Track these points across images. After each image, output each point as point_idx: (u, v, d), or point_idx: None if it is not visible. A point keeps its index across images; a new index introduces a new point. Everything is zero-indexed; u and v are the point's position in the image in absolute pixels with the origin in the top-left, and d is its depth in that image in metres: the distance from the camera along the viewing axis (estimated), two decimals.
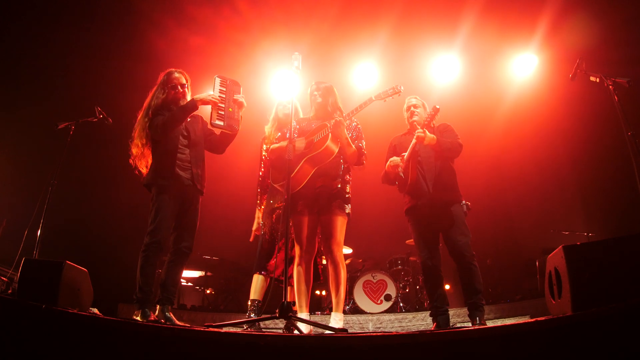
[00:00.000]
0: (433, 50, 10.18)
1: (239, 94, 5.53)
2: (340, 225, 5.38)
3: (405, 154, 5.72)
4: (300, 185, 5.34)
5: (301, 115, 6.23)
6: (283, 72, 10.19)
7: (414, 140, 5.55)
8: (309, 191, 5.38)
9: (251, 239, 6.67)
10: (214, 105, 5.31)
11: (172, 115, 5.29)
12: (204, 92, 5.44)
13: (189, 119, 5.47)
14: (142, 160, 5.42)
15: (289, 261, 5.48)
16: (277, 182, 5.81)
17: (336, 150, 5.32)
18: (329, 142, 5.24)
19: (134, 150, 5.43)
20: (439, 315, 5.51)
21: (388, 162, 5.84)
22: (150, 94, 5.55)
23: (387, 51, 10.12)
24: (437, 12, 9.42)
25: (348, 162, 5.62)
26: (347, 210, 5.46)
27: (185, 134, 5.42)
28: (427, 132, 5.50)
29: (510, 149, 10.90)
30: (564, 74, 6.84)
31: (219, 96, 5.37)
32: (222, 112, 5.33)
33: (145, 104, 5.52)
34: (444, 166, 5.77)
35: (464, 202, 5.72)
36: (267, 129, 6.68)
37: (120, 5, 9.34)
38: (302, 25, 9.55)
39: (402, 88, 5.31)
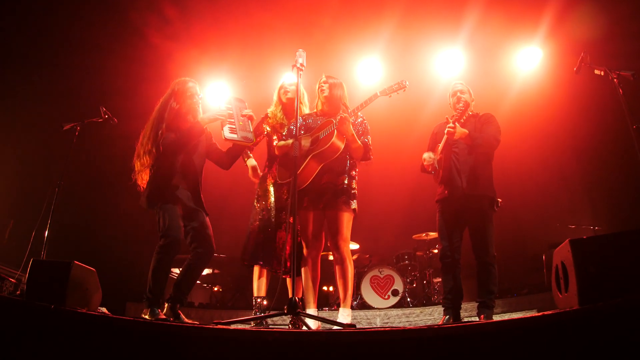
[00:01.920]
0: (437, 45, 10.13)
1: (246, 109, 5.54)
2: (347, 221, 5.40)
3: (440, 145, 5.77)
4: (307, 182, 5.34)
5: (306, 110, 6.20)
6: (287, 68, 10.14)
7: (445, 135, 5.61)
8: (314, 187, 5.40)
9: None
10: (223, 120, 5.30)
11: (178, 140, 5.24)
12: (202, 94, 5.44)
13: None
14: (142, 174, 5.35)
15: (297, 258, 5.46)
16: (284, 179, 5.73)
17: (342, 146, 5.32)
18: (334, 139, 5.24)
19: (138, 165, 5.35)
20: (451, 308, 5.54)
21: (423, 158, 5.88)
22: (160, 104, 5.48)
23: (391, 46, 10.08)
24: (441, 5, 9.39)
25: (354, 158, 5.62)
26: (353, 206, 5.47)
27: (189, 151, 5.41)
28: (458, 126, 5.54)
29: (514, 142, 10.83)
30: (569, 67, 6.81)
31: (227, 113, 5.36)
32: (234, 126, 5.32)
33: (155, 115, 5.42)
34: (479, 160, 5.77)
35: (496, 199, 5.71)
36: (270, 110, 6.48)
37: (123, 2, 9.34)
38: (306, 21, 9.53)
39: (407, 83, 5.31)
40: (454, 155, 5.79)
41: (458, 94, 6.02)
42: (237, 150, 5.69)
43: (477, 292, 5.53)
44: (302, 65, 5.11)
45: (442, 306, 5.69)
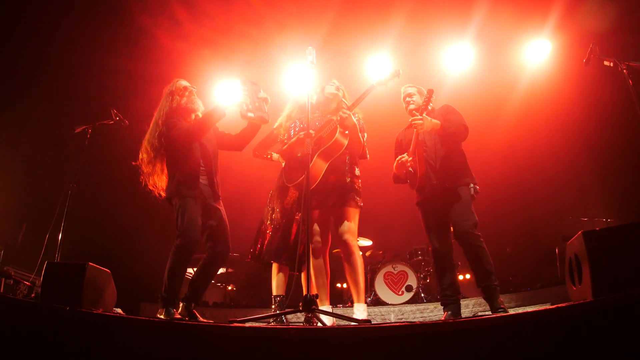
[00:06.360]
0: (446, 40, 10.10)
1: (261, 92, 5.57)
2: (353, 215, 5.48)
3: (412, 145, 5.60)
4: (316, 181, 5.36)
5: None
6: (297, 66, 10.14)
7: (415, 131, 5.48)
8: (323, 187, 5.46)
9: None
10: (241, 104, 5.32)
11: (200, 121, 5.26)
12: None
13: None
14: (153, 177, 5.37)
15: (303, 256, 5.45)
16: (292, 182, 5.74)
17: (346, 142, 5.39)
18: (338, 135, 5.34)
19: (146, 169, 5.37)
20: (450, 304, 5.38)
21: (395, 162, 5.73)
22: (160, 105, 5.51)
23: (400, 42, 10.06)
24: (450, 0, 9.39)
25: (355, 155, 5.70)
26: (360, 203, 5.57)
27: (203, 141, 5.40)
28: (426, 117, 5.38)
29: (525, 136, 10.85)
30: (578, 59, 6.79)
31: (243, 94, 5.39)
32: (250, 106, 5.35)
33: (158, 113, 5.45)
34: (452, 151, 5.63)
35: (472, 185, 5.49)
36: (281, 119, 6.48)
37: (133, 3, 9.36)
38: (315, 18, 9.53)
39: (400, 71, 5.55)
40: (425, 153, 5.61)
41: (407, 98, 5.94)
42: (251, 131, 5.64)
43: (475, 279, 5.35)
44: (312, 63, 5.11)
45: (441, 304, 5.52)
